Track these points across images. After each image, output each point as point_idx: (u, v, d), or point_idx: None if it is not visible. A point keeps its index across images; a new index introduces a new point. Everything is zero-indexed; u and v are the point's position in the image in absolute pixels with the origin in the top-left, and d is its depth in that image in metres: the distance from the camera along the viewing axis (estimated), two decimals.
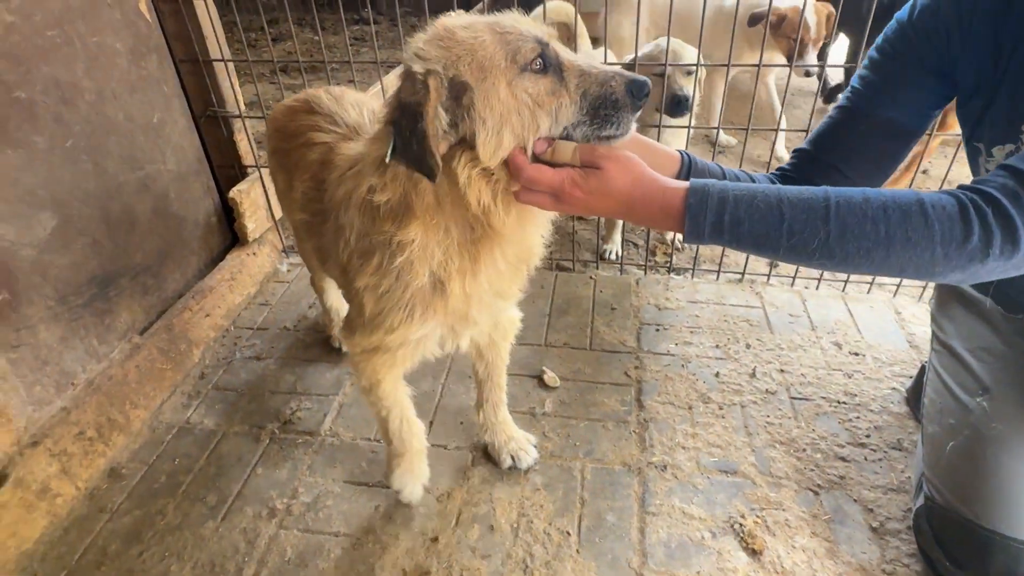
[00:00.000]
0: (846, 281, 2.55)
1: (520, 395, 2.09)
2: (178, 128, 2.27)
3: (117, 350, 2.03)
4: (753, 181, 1.46)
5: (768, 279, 2.62)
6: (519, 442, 1.84)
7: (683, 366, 2.18)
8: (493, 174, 1.08)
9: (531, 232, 1.29)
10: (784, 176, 1.55)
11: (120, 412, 1.95)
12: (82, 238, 1.87)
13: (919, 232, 0.98)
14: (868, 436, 1.90)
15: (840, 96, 1.55)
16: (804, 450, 1.85)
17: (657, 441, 1.90)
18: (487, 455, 1.87)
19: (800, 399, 2.03)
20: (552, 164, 1.09)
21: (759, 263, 2.75)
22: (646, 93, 1.06)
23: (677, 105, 2.43)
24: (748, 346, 2.25)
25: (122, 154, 2.01)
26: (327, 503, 1.77)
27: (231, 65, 2.44)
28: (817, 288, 2.57)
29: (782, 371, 2.14)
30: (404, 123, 0.99)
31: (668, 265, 2.73)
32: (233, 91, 2.49)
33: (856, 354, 2.21)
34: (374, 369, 1.47)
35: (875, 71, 1.47)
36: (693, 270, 2.66)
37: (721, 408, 2.00)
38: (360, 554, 1.62)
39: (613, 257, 2.82)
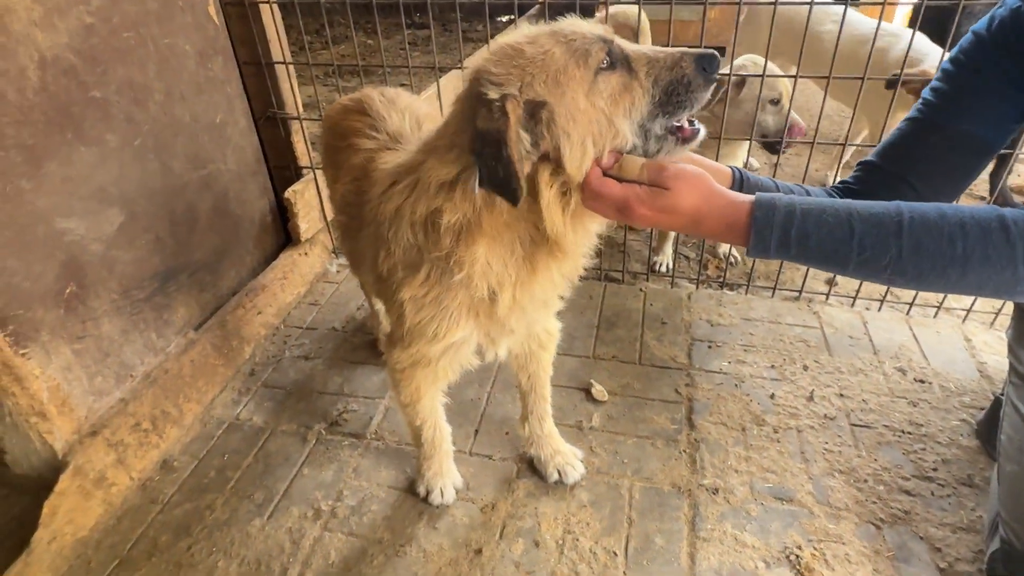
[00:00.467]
0: (911, 304, 2.43)
1: (567, 408, 2.05)
2: (239, 129, 2.32)
3: (173, 344, 2.07)
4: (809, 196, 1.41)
5: (827, 298, 2.52)
6: (565, 456, 1.80)
7: (736, 386, 2.11)
8: (566, 193, 1.08)
9: (585, 247, 1.27)
10: (847, 190, 1.48)
11: (174, 405, 1.99)
12: (146, 234, 1.92)
13: (999, 251, 0.93)
14: (935, 469, 1.80)
15: (912, 108, 1.48)
16: (865, 481, 1.77)
17: (708, 463, 1.84)
18: (532, 467, 1.84)
19: (861, 426, 1.94)
20: (619, 179, 1.07)
21: (817, 280, 2.65)
22: (717, 65, 1.04)
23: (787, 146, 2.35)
24: (805, 368, 2.17)
25: (187, 153, 2.06)
26: (372, 507, 1.76)
27: (291, 68, 2.48)
28: (879, 310, 2.46)
29: (841, 396, 2.05)
30: (488, 151, 0.97)
31: (721, 280, 2.65)
32: (292, 93, 2.53)
33: (922, 381, 2.10)
34: (416, 387, 1.49)
35: (949, 82, 1.40)
36: (748, 286, 2.58)
37: (776, 432, 1.93)
38: (403, 562, 1.61)
39: (664, 269, 2.76)
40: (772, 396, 2.06)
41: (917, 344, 2.28)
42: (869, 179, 1.46)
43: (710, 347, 2.29)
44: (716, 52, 1.05)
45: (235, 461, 1.92)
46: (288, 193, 2.56)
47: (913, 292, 2.47)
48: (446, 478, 1.76)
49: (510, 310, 1.27)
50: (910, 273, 0.96)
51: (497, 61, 1.03)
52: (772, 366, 2.19)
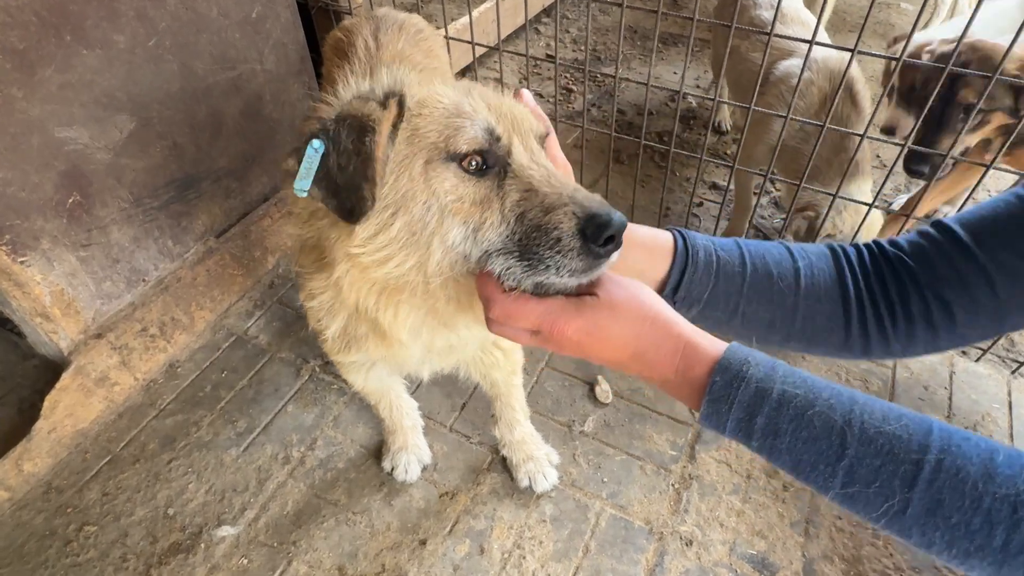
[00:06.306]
0: (1022, 362, 1.96)
1: (564, 402, 1.90)
2: (280, 23, 2.11)
3: (192, 251, 2.07)
4: (795, 263, 0.91)
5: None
6: (539, 463, 1.68)
7: None
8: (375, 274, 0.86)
9: (449, 333, 1.01)
10: (893, 261, 0.92)
11: (185, 313, 2.03)
12: (162, 141, 1.85)
13: None
14: None
15: None
16: None
17: (695, 507, 1.66)
18: (505, 463, 1.74)
19: None
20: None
21: None
22: (609, 238, 0.74)
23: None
24: None
25: (213, 53, 1.91)
26: (338, 464, 1.76)
27: None
28: (978, 360, 2.01)
29: None
30: (344, 135, 0.78)
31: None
32: None
33: None
34: (353, 376, 1.40)
35: None
36: None
37: (786, 489, 1.69)
38: (350, 532, 1.62)
39: None
40: None
41: (1010, 416, 1.87)
42: (934, 251, 0.90)
43: None
44: (616, 221, 0.74)
45: (231, 381, 1.97)
46: None
47: None
48: (411, 454, 1.71)
49: (393, 359, 1.14)
50: (915, 538, 0.66)
51: (412, 77, 0.88)
52: None
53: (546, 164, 0.83)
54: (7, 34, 1.41)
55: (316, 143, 0.77)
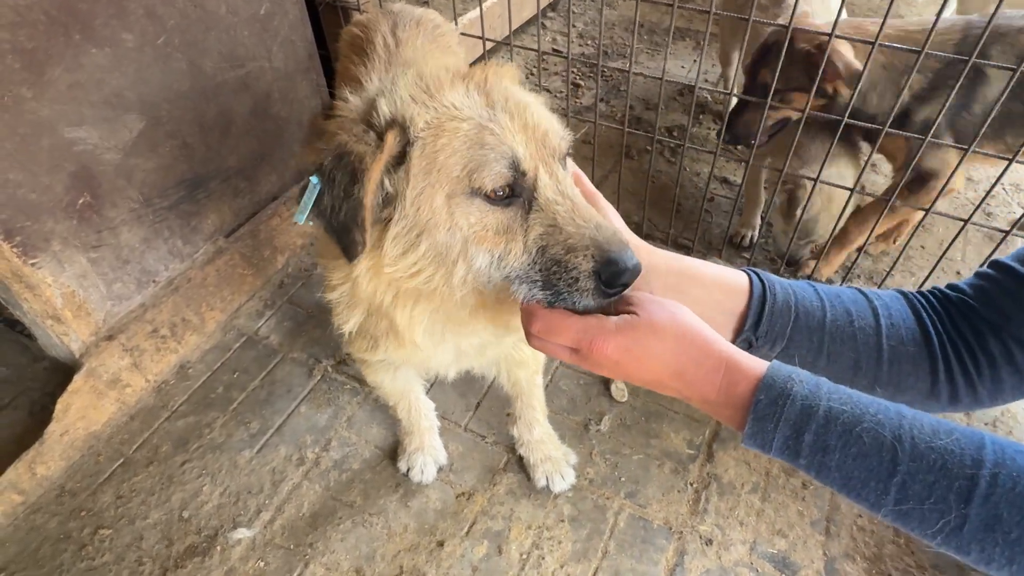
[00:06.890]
0: None
1: (580, 400, 1.88)
2: (288, 20, 2.09)
3: (201, 251, 2.05)
4: (871, 303, 0.91)
5: None
6: (556, 464, 1.67)
7: None
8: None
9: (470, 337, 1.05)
10: (951, 304, 0.91)
11: (195, 313, 2.02)
12: (171, 141, 1.83)
13: None
14: None
15: None
16: (890, 575, 1.52)
17: (714, 506, 1.64)
18: (522, 463, 1.73)
19: None
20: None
21: None
22: (622, 285, 0.78)
23: None
24: None
25: (221, 51, 1.88)
26: (353, 465, 1.75)
27: None
28: None
29: None
30: (338, 178, 0.80)
31: (811, 275, 2.24)
32: None
33: None
34: (375, 376, 1.42)
35: None
36: (843, 282, 2.16)
37: (805, 487, 1.68)
38: (367, 534, 1.61)
39: (746, 243, 2.38)
40: None
41: None
42: (997, 291, 0.88)
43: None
44: (633, 267, 0.78)
45: (242, 382, 1.95)
46: None
47: None
48: (427, 455, 1.69)
49: (413, 359, 1.15)
50: (974, 555, 0.65)
51: (414, 84, 0.85)
52: None
53: (572, 195, 0.84)
54: (16, 33, 1.39)
55: (314, 179, 0.80)
